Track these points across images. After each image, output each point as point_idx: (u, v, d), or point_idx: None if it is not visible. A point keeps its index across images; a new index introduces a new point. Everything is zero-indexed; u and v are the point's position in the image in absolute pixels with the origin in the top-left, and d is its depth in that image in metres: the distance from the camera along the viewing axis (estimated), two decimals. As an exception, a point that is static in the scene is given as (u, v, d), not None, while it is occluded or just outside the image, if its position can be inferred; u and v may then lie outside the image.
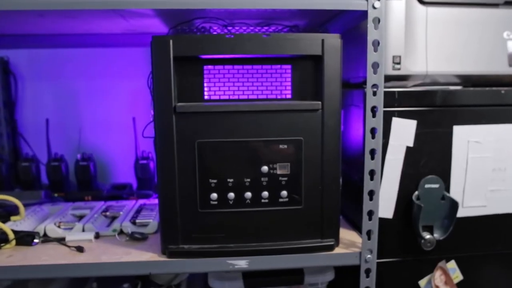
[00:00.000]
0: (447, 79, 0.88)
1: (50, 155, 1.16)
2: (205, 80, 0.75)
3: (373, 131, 0.75)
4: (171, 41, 0.71)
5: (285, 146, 0.75)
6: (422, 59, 0.85)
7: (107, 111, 1.24)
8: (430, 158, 0.85)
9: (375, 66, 0.73)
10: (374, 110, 0.74)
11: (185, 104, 0.73)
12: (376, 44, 0.72)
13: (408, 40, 0.83)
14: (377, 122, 0.74)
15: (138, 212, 0.97)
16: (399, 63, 0.84)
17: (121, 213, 0.97)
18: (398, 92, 0.84)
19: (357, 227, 0.91)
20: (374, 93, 0.73)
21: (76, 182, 1.16)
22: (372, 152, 0.75)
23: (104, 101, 1.23)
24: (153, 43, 0.72)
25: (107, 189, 1.17)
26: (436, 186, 0.85)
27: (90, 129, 1.24)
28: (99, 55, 1.22)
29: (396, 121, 0.83)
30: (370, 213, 0.77)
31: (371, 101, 0.74)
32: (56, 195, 1.12)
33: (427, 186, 0.85)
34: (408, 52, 0.84)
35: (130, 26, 1.08)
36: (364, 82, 0.89)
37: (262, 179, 0.75)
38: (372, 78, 0.73)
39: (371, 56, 0.72)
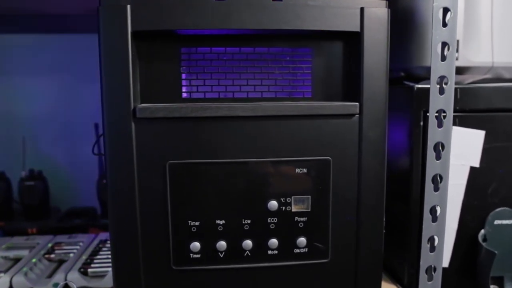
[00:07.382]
0: (513, 73, 0.68)
1: (-14, 172, 0.92)
2: (183, 69, 0.52)
3: (437, 147, 0.49)
4: (129, 8, 0.47)
5: (304, 170, 0.51)
6: (486, 46, 0.64)
7: (62, 115, 1.04)
8: (502, 184, 0.65)
9: (444, 48, 0.48)
10: (439, 116, 0.49)
11: (151, 105, 0.50)
12: (445, 14, 0.47)
13: (468, 19, 0.63)
14: (445, 134, 0.49)
15: (95, 253, 0.74)
16: (456, 51, 0.63)
17: (71, 255, 0.73)
18: (461, 89, 0.61)
19: (396, 277, 0.69)
20: (441, 91, 0.48)
21: (22, 208, 0.91)
22: (436, 180, 0.50)
23: (58, 101, 1.03)
24: (101, 10, 0.48)
25: (61, 216, 0.92)
26: (510, 222, 0.66)
27: (40, 138, 1.03)
28: (52, 43, 1.02)
29: (457, 132, 0.62)
30: (430, 269, 0.52)
31: (436, 102, 0.48)
32: (-7, 225, 0.88)
33: (497, 222, 0.66)
34: (468, 36, 0.63)
35: (91, 3, 0.84)
36: (405, 78, 0.69)
37: (269, 219, 0.52)
38: (438, 66, 0.48)
39: (439, 33, 0.47)
